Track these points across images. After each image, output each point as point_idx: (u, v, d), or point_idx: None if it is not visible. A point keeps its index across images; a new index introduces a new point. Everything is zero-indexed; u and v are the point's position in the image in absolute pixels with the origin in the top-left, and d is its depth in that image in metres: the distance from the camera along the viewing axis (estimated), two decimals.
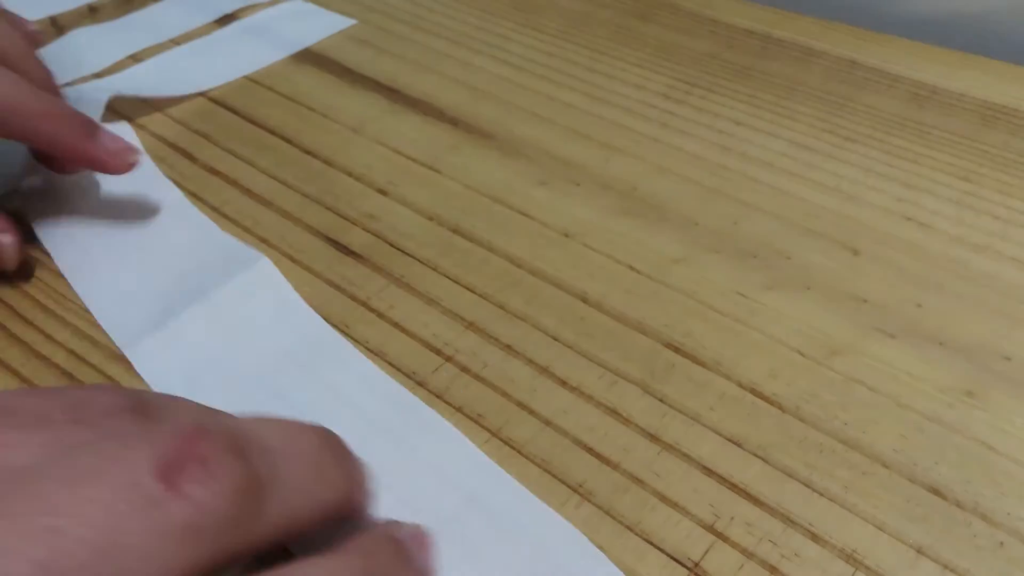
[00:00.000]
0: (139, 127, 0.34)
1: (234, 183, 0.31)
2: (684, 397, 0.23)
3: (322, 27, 0.42)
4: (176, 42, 0.40)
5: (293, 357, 0.23)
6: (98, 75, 0.37)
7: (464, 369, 0.24)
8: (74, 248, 0.27)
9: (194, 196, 0.30)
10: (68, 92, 0.35)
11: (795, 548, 0.19)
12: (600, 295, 0.26)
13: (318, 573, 0.12)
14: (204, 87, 0.36)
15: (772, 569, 0.19)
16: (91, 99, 0.35)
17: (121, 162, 0.27)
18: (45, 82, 0.28)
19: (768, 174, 0.31)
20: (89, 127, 0.27)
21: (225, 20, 0.42)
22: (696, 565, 0.19)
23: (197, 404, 0.15)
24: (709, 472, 0.21)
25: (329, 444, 0.15)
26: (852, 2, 0.46)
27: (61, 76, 0.37)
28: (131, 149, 0.27)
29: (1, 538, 0.10)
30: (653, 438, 0.22)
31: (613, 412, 0.22)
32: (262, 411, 0.16)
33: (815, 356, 0.24)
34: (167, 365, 0.23)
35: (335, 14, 0.43)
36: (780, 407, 0.23)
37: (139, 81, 0.37)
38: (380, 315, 0.25)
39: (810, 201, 0.30)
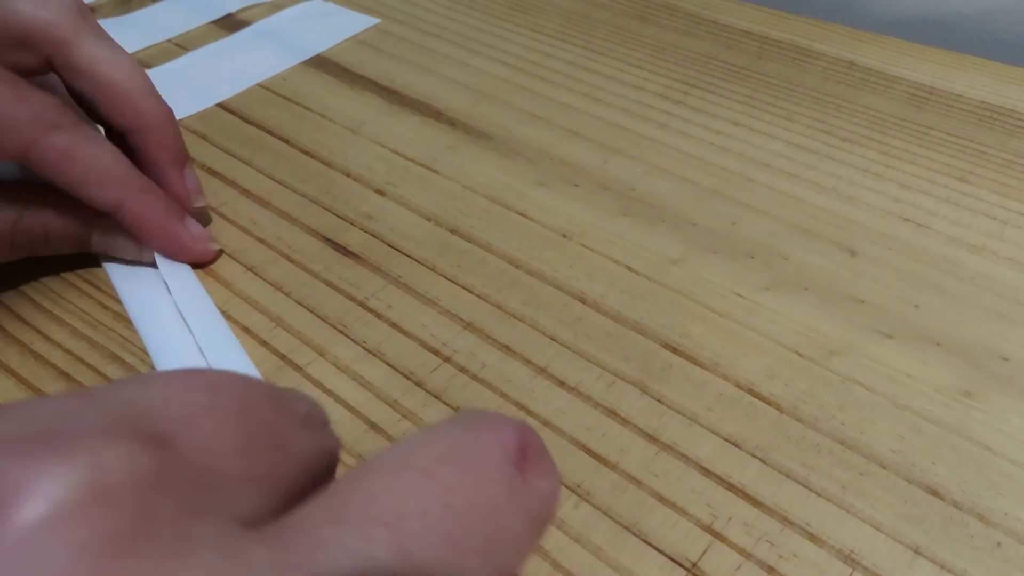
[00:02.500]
0: None
1: (232, 183, 0.31)
2: (682, 397, 0.23)
3: (344, 27, 0.41)
4: (175, 43, 0.40)
5: None
6: None
7: (462, 369, 0.24)
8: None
9: None
10: None
11: (793, 548, 0.19)
12: (598, 295, 0.26)
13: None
14: (224, 96, 0.36)
15: (770, 569, 0.19)
16: None
17: (204, 249, 0.27)
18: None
19: (766, 175, 0.32)
20: (183, 153, 0.27)
21: (225, 21, 0.42)
22: (694, 565, 0.19)
23: None
24: (707, 472, 0.21)
25: None
26: (850, 3, 0.46)
27: None
28: (212, 237, 0.27)
29: (401, 503, 0.10)
30: (651, 438, 0.22)
31: (611, 412, 0.22)
32: None
33: (813, 356, 0.24)
34: None
35: (357, 13, 0.43)
36: (778, 407, 0.23)
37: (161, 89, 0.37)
38: (378, 315, 0.25)
39: (808, 202, 0.30)
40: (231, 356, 0.24)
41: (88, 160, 0.23)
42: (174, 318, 0.25)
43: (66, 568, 0.08)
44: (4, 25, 0.23)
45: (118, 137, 0.26)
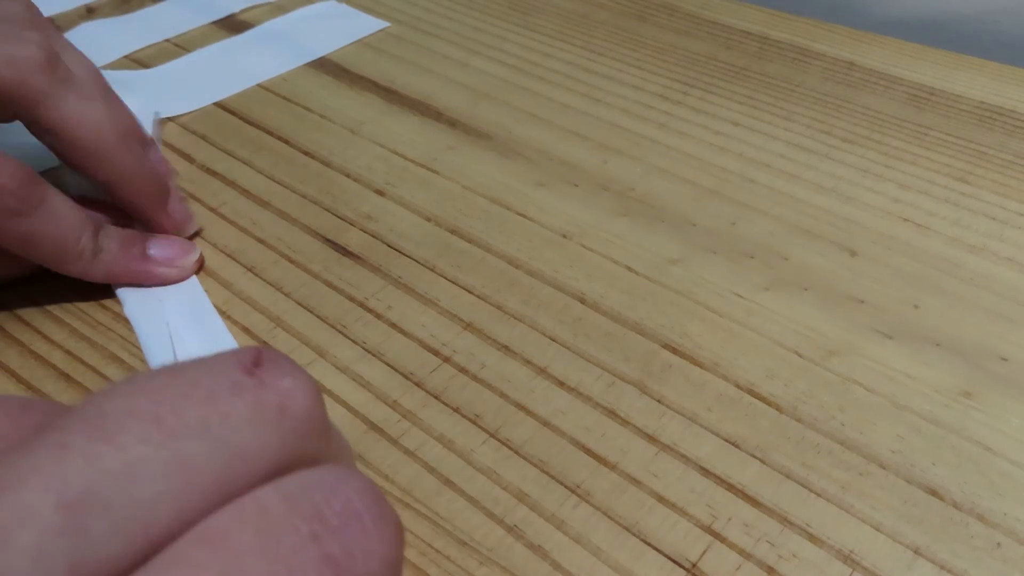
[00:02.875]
0: None
1: (232, 184, 0.31)
2: (682, 398, 0.23)
3: (353, 29, 0.41)
4: (175, 43, 0.40)
5: None
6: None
7: (462, 369, 0.24)
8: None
9: (192, 197, 0.30)
10: None
11: (793, 549, 0.19)
12: (598, 295, 0.26)
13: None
14: (225, 95, 0.36)
15: (770, 570, 0.19)
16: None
17: (180, 272, 0.27)
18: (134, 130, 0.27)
19: (766, 175, 0.32)
20: (163, 193, 0.27)
21: (226, 21, 0.42)
22: (694, 566, 0.19)
23: None
24: (707, 473, 0.21)
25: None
26: (850, 3, 0.46)
27: None
28: (187, 251, 0.27)
29: (117, 409, 0.10)
30: (651, 439, 0.22)
31: (611, 412, 0.22)
32: None
33: (812, 357, 0.24)
34: None
35: (368, 16, 0.43)
36: (778, 408, 0.23)
37: (163, 87, 0.37)
38: (378, 316, 0.25)
39: (808, 202, 0.30)
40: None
41: (51, 238, 0.24)
42: (171, 317, 0.25)
43: None
44: None
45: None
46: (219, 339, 0.24)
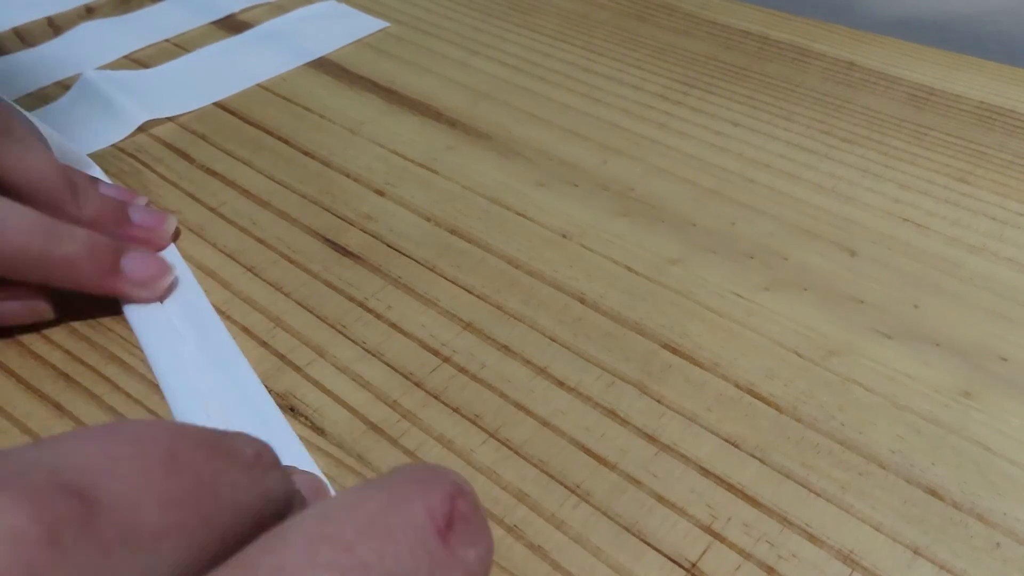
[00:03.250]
0: (137, 128, 0.34)
1: (232, 184, 0.31)
2: (681, 398, 0.23)
3: (353, 30, 0.41)
4: (175, 43, 0.40)
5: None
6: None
7: (462, 369, 0.24)
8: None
9: (191, 197, 0.30)
10: (76, 82, 0.36)
11: (792, 549, 0.19)
12: (598, 296, 0.26)
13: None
14: (225, 95, 0.36)
15: (769, 570, 0.19)
16: (98, 93, 0.35)
17: (149, 294, 0.25)
18: (83, 208, 0.25)
19: (765, 175, 0.32)
20: (113, 260, 0.24)
21: (226, 21, 0.42)
22: (693, 566, 0.19)
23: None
24: (706, 473, 0.21)
25: None
26: (849, 3, 0.46)
27: (61, 72, 0.37)
28: (162, 273, 0.25)
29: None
30: (650, 439, 0.22)
31: (611, 413, 0.22)
32: None
33: (812, 357, 0.24)
34: None
35: (368, 16, 0.43)
36: (777, 408, 0.23)
37: (162, 87, 0.37)
38: (378, 316, 0.25)
39: (807, 202, 0.30)
40: (226, 356, 0.24)
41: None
42: (172, 317, 0.25)
43: None
44: None
45: None
46: (219, 339, 0.24)
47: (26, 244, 0.22)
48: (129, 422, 0.12)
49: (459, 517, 0.12)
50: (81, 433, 0.11)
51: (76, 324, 0.25)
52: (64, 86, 0.36)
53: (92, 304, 0.25)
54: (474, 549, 0.11)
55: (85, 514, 0.09)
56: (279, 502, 0.12)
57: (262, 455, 0.13)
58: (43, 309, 0.24)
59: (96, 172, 0.30)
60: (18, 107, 0.29)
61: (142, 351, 0.24)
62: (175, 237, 0.28)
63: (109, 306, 0.25)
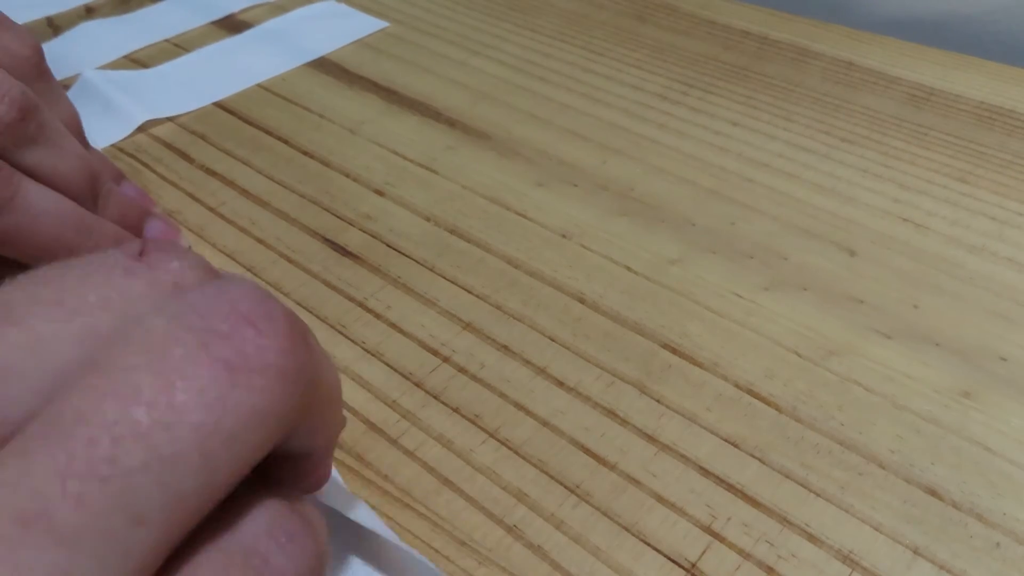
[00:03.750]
0: (137, 128, 0.34)
1: (231, 184, 0.31)
2: (681, 398, 0.23)
3: (353, 30, 0.41)
4: (175, 43, 0.40)
5: None
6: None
7: (461, 370, 0.24)
8: None
9: (191, 197, 0.30)
10: (76, 82, 0.35)
11: (792, 549, 0.19)
12: (597, 296, 0.26)
13: None
14: (225, 95, 0.36)
15: (769, 570, 0.19)
16: (98, 93, 0.35)
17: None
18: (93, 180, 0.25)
19: (765, 175, 0.32)
20: (139, 224, 0.26)
21: (226, 21, 0.42)
22: (693, 566, 0.19)
23: None
24: (706, 473, 0.21)
25: None
26: (849, 3, 0.46)
27: (61, 72, 0.37)
28: (179, 237, 0.27)
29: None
30: (650, 439, 0.22)
31: (610, 413, 0.22)
32: None
33: (812, 357, 0.24)
34: None
35: (368, 16, 0.43)
36: (777, 408, 0.23)
37: (162, 87, 0.37)
38: (377, 316, 0.25)
39: (807, 202, 0.30)
40: None
41: (35, 233, 0.23)
42: None
43: None
44: None
45: None
46: None
47: (60, 234, 0.23)
48: None
49: (153, 247, 0.12)
50: None
51: None
52: (64, 86, 0.36)
53: None
54: (176, 257, 0.12)
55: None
56: None
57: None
58: None
59: None
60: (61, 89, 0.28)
61: None
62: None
63: None
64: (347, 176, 0.31)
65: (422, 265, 0.27)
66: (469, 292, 0.26)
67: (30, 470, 0.09)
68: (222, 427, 0.10)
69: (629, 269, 0.27)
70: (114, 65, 0.38)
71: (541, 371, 0.24)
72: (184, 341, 0.10)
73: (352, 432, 0.22)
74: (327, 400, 0.13)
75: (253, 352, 0.11)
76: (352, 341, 0.25)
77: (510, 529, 0.20)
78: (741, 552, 0.19)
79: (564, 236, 0.28)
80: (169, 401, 0.10)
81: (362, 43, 0.41)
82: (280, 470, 0.14)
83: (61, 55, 0.38)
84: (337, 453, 0.21)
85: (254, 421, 0.11)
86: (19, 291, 0.11)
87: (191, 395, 0.10)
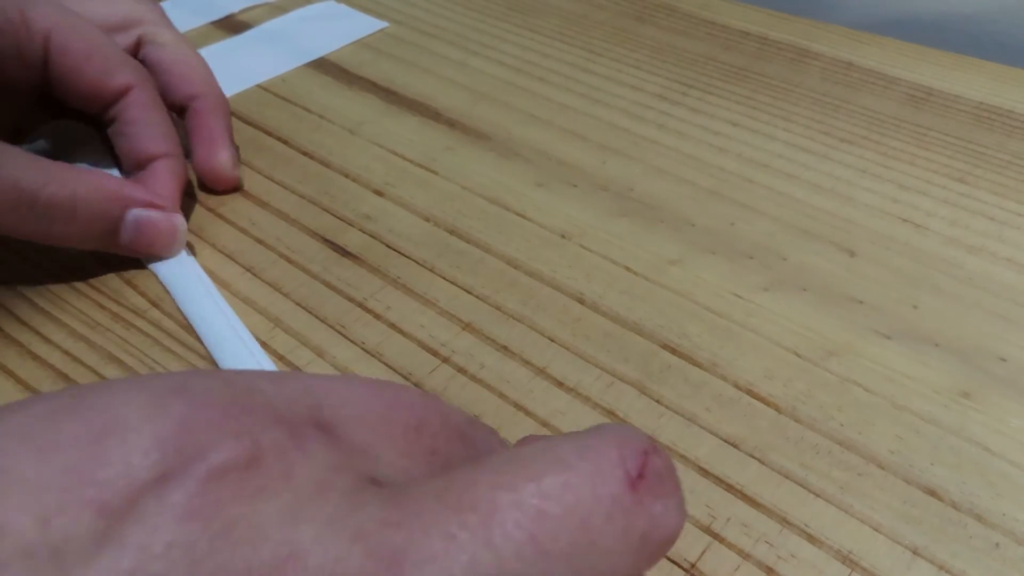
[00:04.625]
0: None
1: None
2: (680, 398, 0.23)
3: (352, 30, 0.41)
4: None
5: None
6: None
7: (461, 370, 0.24)
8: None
9: (191, 197, 0.30)
10: None
11: (791, 549, 0.19)
12: (597, 296, 0.26)
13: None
14: (226, 94, 0.36)
15: (768, 570, 0.19)
16: None
17: (227, 172, 0.30)
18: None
19: (764, 175, 0.32)
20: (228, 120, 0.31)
21: (225, 21, 0.42)
22: (693, 566, 0.19)
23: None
24: (706, 473, 0.21)
25: None
26: (849, 3, 0.46)
27: None
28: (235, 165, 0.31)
29: (501, 501, 0.11)
30: (650, 439, 0.22)
31: (610, 413, 0.23)
32: None
33: (811, 357, 0.24)
34: None
35: (367, 16, 0.43)
36: (776, 408, 0.23)
37: None
38: (377, 316, 0.25)
39: (806, 202, 0.30)
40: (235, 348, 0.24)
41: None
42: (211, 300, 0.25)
43: (189, 507, 0.10)
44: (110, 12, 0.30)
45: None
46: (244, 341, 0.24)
47: (107, 210, 0.25)
48: (392, 385, 0.13)
49: (651, 471, 0.12)
50: (351, 378, 0.13)
51: (75, 325, 0.25)
52: None
53: (91, 304, 0.25)
54: (662, 501, 0.12)
55: (328, 440, 0.11)
56: None
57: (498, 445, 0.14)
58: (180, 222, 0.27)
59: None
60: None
61: (142, 351, 0.24)
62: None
63: (108, 306, 0.25)
64: (347, 176, 0.31)
65: (422, 265, 0.27)
66: (469, 292, 0.26)
67: None
68: None
69: (628, 269, 0.27)
70: None
71: (541, 371, 0.24)
72: None
73: None
74: None
75: None
76: (352, 341, 0.25)
77: None
78: (741, 552, 0.19)
79: (564, 236, 0.28)
80: None
81: (362, 43, 0.41)
82: None
83: None
84: None
85: None
86: (507, 492, 0.11)
87: None
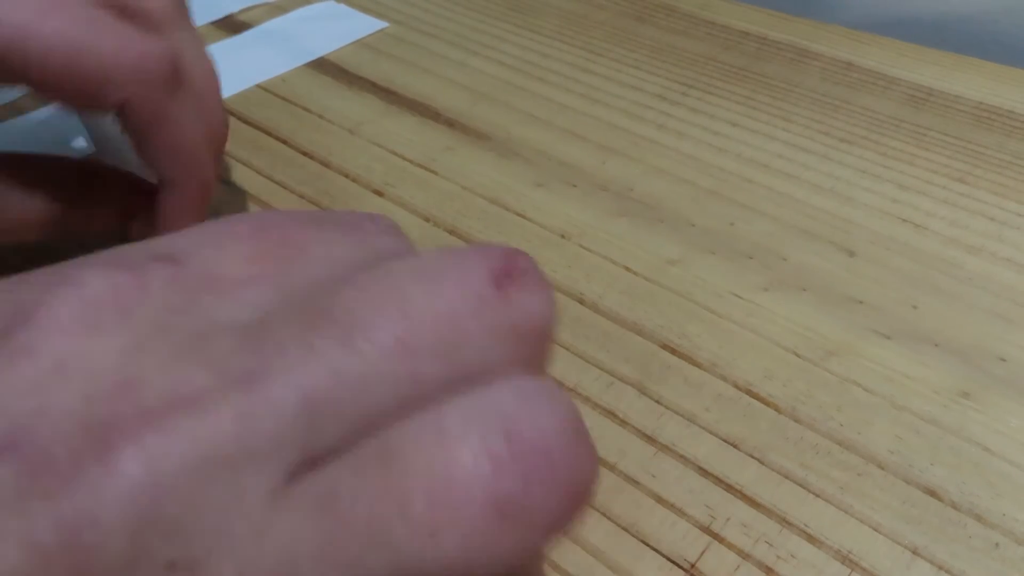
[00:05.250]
0: None
1: (230, 184, 0.31)
2: (680, 398, 0.23)
3: (352, 30, 0.41)
4: None
5: None
6: None
7: None
8: None
9: None
10: None
11: (791, 549, 0.19)
12: (597, 296, 0.26)
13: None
14: (226, 94, 0.36)
15: (768, 570, 0.19)
16: None
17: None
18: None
19: (764, 175, 0.32)
20: (207, 199, 0.25)
21: (225, 21, 0.42)
22: (692, 566, 0.19)
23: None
24: (705, 473, 0.21)
25: None
26: (849, 3, 0.46)
27: None
28: None
29: (363, 312, 0.11)
30: (649, 439, 0.22)
31: (609, 413, 0.22)
32: None
33: (811, 357, 0.24)
34: None
35: (367, 16, 0.43)
36: (776, 408, 0.23)
37: None
38: None
39: (806, 202, 0.30)
40: None
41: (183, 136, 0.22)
42: None
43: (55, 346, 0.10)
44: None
45: None
46: None
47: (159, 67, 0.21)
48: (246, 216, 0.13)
49: (517, 269, 0.12)
50: (189, 229, 0.13)
51: None
52: None
53: None
54: (529, 293, 0.12)
55: (172, 270, 0.11)
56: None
57: (377, 220, 0.14)
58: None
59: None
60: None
61: None
62: None
63: None
64: (346, 176, 0.31)
65: None
66: None
67: None
68: None
69: (628, 269, 0.27)
70: None
71: None
72: (470, 460, 0.10)
73: None
74: None
75: (538, 499, 0.10)
76: None
77: None
78: (740, 552, 0.19)
79: (563, 236, 0.28)
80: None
81: (361, 43, 0.41)
82: None
83: None
84: None
85: None
86: (366, 302, 0.11)
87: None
